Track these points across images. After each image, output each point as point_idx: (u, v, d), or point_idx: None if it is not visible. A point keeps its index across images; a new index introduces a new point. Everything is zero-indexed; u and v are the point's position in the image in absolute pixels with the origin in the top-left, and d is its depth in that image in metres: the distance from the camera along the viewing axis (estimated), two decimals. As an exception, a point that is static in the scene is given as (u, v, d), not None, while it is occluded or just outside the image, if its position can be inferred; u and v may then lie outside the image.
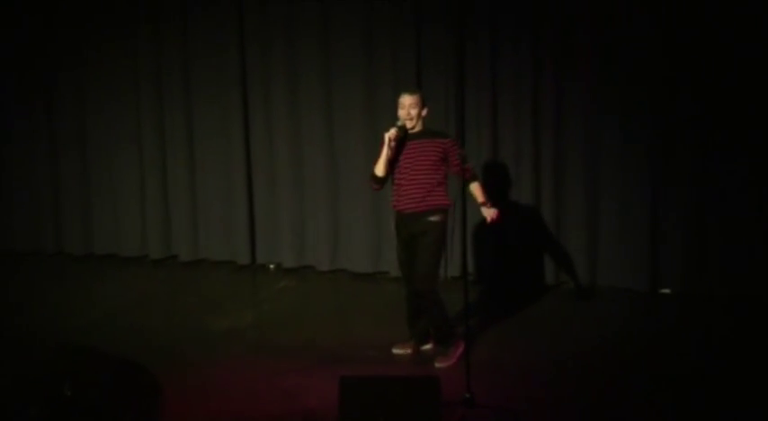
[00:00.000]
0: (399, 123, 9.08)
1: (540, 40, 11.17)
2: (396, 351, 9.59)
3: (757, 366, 8.99)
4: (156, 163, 12.97)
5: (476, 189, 9.32)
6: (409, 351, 9.55)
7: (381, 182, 9.24)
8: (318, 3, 11.87)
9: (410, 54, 11.51)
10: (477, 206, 9.37)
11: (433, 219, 9.15)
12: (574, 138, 11.19)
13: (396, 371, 8.93)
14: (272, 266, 12.56)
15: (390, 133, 9.04)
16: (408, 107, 9.13)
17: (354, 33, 11.75)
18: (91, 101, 13.11)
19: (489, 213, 9.26)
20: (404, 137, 9.12)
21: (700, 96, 10.67)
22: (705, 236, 10.97)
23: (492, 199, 10.32)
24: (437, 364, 9.23)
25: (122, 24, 12.82)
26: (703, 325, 10.25)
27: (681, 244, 11.04)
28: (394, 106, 10.04)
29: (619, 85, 10.96)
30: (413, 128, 9.16)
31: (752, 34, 10.37)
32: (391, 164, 9.22)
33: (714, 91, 10.61)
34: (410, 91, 9.33)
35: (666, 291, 11.15)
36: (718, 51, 10.53)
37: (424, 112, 9.20)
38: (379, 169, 9.16)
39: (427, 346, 9.56)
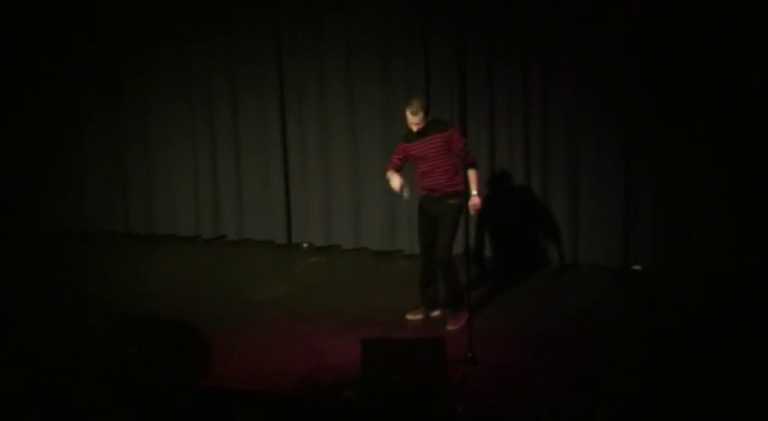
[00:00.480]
0: (405, 196, 9.32)
1: (528, 56, 11.24)
2: (409, 317, 9.68)
3: (708, 326, 9.30)
4: (208, 156, 13.07)
5: (471, 176, 9.41)
6: (420, 316, 9.68)
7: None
8: (343, 23, 11.98)
9: (419, 67, 11.61)
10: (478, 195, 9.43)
11: (451, 201, 9.31)
12: (557, 137, 11.27)
13: (408, 334, 9.18)
14: (305, 245, 12.60)
15: (395, 185, 9.30)
16: (416, 125, 9.24)
17: (373, 49, 11.86)
18: (153, 100, 13.25)
19: (474, 201, 9.33)
20: (417, 135, 9.31)
21: (664, 99, 10.78)
22: (669, 220, 11.01)
23: (491, 189, 10.79)
24: (449, 327, 9.34)
25: (178, 40, 13.00)
26: (668, 296, 10.37)
27: (650, 227, 11.08)
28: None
29: (595, 91, 11.06)
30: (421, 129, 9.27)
31: (710, 44, 10.51)
32: (412, 159, 9.47)
33: (676, 94, 10.74)
34: (413, 110, 9.28)
35: (638, 267, 11.20)
36: (680, 62, 10.68)
37: (430, 118, 9.33)
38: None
39: (436, 313, 9.68)
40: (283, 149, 12.56)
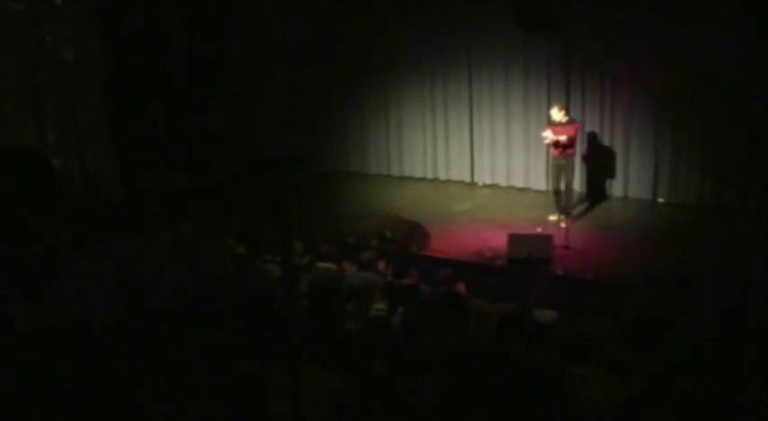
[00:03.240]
0: (548, 137, 9.44)
1: (604, 70, 10.51)
2: (550, 218, 9.60)
3: (709, 235, 8.95)
4: (430, 132, 12.23)
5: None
6: (555, 218, 9.55)
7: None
8: (502, 50, 11.20)
9: (543, 77, 10.98)
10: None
11: (570, 160, 9.58)
12: (618, 112, 10.54)
13: (531, 231, 9.16)
14: (480, 183, 11.93)
15: (548, 139, 9.45)
16: (560, 116, 9.45)
17: (518, 65, 11.15)
18: (394, 92, 12.45)
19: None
20: (558, 123, 9.43)
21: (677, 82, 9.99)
22: (682, 167, 10.27)
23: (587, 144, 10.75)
24: (562, 224, 9.17)
25: (412, 60, 12.09)
26: (682, 221, 9.71)
27: (669, 174, 10.35)
28: (539, 102, 10.95)
29: (639, 87, 10.28)
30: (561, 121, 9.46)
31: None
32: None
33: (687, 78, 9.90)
34: (559, 107, 9.53)
35: (661, 200, 10.48)
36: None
37: (566, 117, 9.52)
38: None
39: (561, 217, 9.49)
40: (470, 126, 11.84)
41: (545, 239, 8.58)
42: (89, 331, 1.76)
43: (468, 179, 12.20)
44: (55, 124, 10.09)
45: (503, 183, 11.90)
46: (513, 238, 8.51)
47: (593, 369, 4.47)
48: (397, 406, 3.59)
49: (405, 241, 8.91)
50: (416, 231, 9.18)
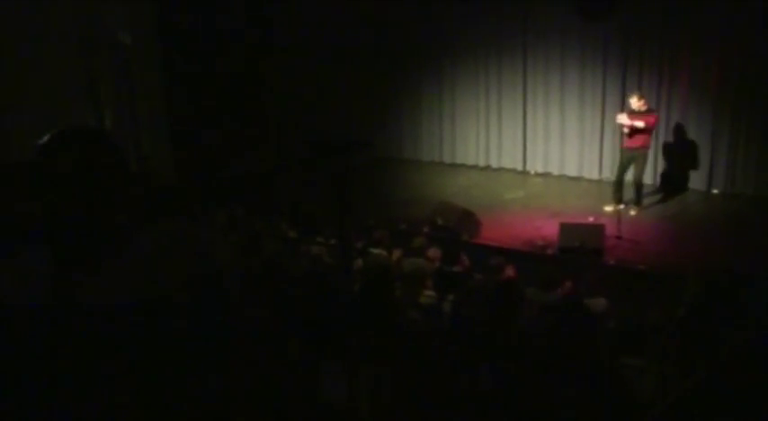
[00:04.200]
0: (621, 120, 9.25)
1: (663, 68, 10.42)
2: (606, 208, 9.52)
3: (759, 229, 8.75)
4: (483, 124, 12.22)
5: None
6: (612, 208, 9.42)
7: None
8: (559, 45, 11.12)
9: (599, 68, 10.90)
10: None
11: (642, 152, 9.32)
12: (676, 105, 10.40)
13: (584, 220, 9.08)
14: (532, 172, 11.92)
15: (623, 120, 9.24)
16: (639, 105, 9.25)
17: (575, 60, 11.09)
18: (451, 82, 12.49)
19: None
20: (637, 111, 9.22)
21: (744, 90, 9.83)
22: (739, 158, 10.07)
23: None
24: (631, 212, 9.24)
25: (466, 54, 12.14)
26: (738, 212, 9.52)
27: (725, 164, 10.17)
28: (595, 90, 10.85)
29: (694, 84, 10.20)
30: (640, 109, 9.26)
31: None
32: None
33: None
34: (638, 96, 9.33)
35: (716, 191, 10.31)
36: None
37: (645, 107, 9.30)
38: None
39: (621, 207, 9.35)
40: (523, 114, 11.76)
41: (597, 229, 8.47)
42: (153, 311, 1.80)
43: (520, 167, 12.16)
44: (112, 108, 10.27)
45: (555, 171, 11.84)
46: (564, 227, 8.42)
47: (646, 360, 4.41)
48: (449, 395, 3.57)
49: (456, 228, 8.89)
50: (468, 219, 9.15)
